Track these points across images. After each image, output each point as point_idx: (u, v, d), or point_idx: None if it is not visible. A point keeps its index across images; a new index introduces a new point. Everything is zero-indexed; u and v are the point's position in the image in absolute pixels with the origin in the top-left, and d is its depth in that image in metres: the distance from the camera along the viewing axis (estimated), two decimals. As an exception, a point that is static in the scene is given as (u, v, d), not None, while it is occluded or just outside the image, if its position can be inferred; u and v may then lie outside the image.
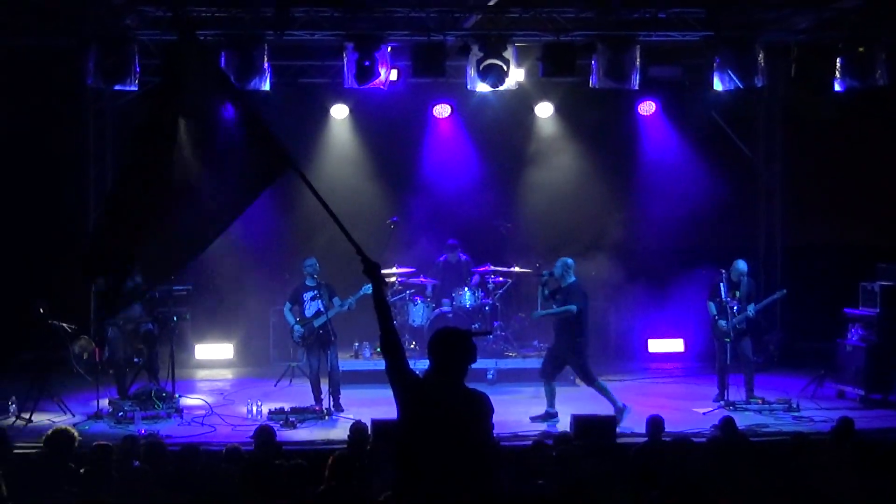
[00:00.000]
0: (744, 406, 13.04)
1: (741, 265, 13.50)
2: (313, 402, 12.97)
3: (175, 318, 13.73)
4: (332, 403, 12.92)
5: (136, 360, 13.67)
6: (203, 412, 13.01)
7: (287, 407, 12.66)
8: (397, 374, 5.89)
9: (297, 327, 13.21)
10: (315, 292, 13.24)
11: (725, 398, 13.24)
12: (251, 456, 9.13)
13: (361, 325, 14.37)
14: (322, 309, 13.11)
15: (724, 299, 13.28)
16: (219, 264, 16.44)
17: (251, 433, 9.80)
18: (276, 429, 9.97)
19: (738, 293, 13.36)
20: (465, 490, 5.59)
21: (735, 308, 13.28)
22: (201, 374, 16.23)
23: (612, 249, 16.78)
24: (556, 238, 16.41)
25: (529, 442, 9.82)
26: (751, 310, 13.30)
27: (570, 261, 12.90)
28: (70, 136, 16.02)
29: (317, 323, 13.11)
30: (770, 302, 13.76)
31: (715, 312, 13.40)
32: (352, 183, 16.66)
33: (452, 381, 5.79)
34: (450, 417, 5.67)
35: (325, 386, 13.12)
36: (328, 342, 13.13)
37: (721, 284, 13.36)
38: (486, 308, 15.68)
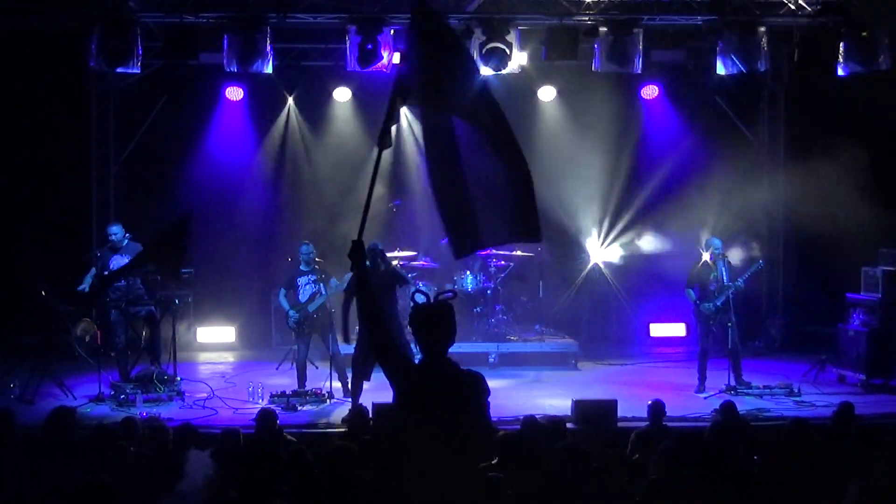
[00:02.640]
0: (745, 391, 13.00)
1: (715, 242, 13.44)
2: (318, 386, 12.91)
3: (177, 301, 13.69)
4: (343, 390, 12.79)
5: (138, 343, 13.64)
6: (205, 395, 13.02)
7: (289, 390, 12.67)
8: (389, 363, 5.79)
9: (291, 312, 13.14)
10: (311, 277, 13.21)
11: (704, 390, 13.26)
12: (250, 439, 9.11)
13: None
14: (322, 292, 13.05)
15: (717, 280, 13.27)
16: (220, 247, 16.60)
17: (252, 416, 9.78)
18: (277, 412, 9.99)
19: (714, 274, 13.31)
20: (460, 473, 5.55)
21: (712, 288, 13.26)
22: (203, 357, 16.24)
23: (614, 234, 16.81)
24: (559, 221, 16.43)
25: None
26: (734, 287, 13.23)
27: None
28: (72, 118, 15.99)
29: (311, 308, 13.07)
30: (750, 274, 13.61)
31: (695, 298, 13.34)
32: (354, 165, 16.58)
33: (439, 360, 5.67)
34: (443, 400, 5.57)
35: (331, 371, 13.04)
36: (326, 328, 13.09)
37: (707, 263, 13.31)
38: (488, 292, 15.68)
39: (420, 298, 5.66)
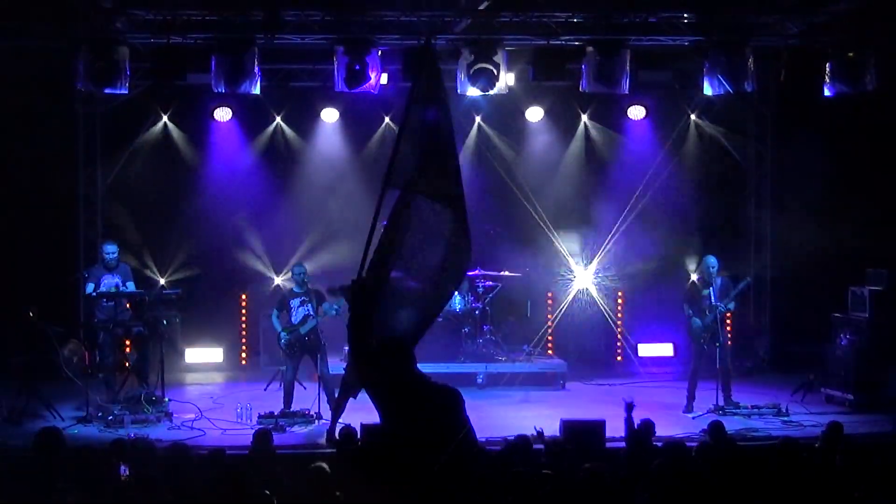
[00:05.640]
0: (733, 410, 13.03)
1: (711, 261, 13.51)
2: (305, 407, 12.89)
3: (165, 322, 13.63)
4: (331, 410, 12.67)
5: (127, 363, 13.67)
6: (193, 416, 13.00)
7: (277, 411, 12.67)
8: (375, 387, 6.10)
9: (283, 334, 13.16)
10: (303, 299, 13.22)
11: (692, 409, 13.31)
12: (242, 460, 9.11)
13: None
14: (311, 314, 13.04)
15: (708, 298, 13.35)
16: (208, 268, 16.65)
17: (241, 437, 9.80)
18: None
19: (705, 293, 13.40)
20: (445, 484, 5.74)
21: (704, 306, 13.36)
22: (191, 378, 16.19)
23: (602, 255, 16.74)
24: (546, 243, 16.53)
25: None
26: (724, 307, 13.35)
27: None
28: (59, 139, 15.92)
29: (303, 330, 13.08)
30: (738, 293, 13.71)
31: (690, 313, 13.43)
32: (342, 187, 16.68)
33: (410, 378, 5.99)
34: (422, 415, 5.83)
35: (320, 392, 13.02)
36: (317, 349, 13.09)
37: (694, 283, 13.38)
38: (476, 312, 15.70)
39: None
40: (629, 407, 10.08)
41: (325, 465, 7.60)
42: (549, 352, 16.68)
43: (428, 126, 6.99)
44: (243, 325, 17.09)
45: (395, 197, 6.98)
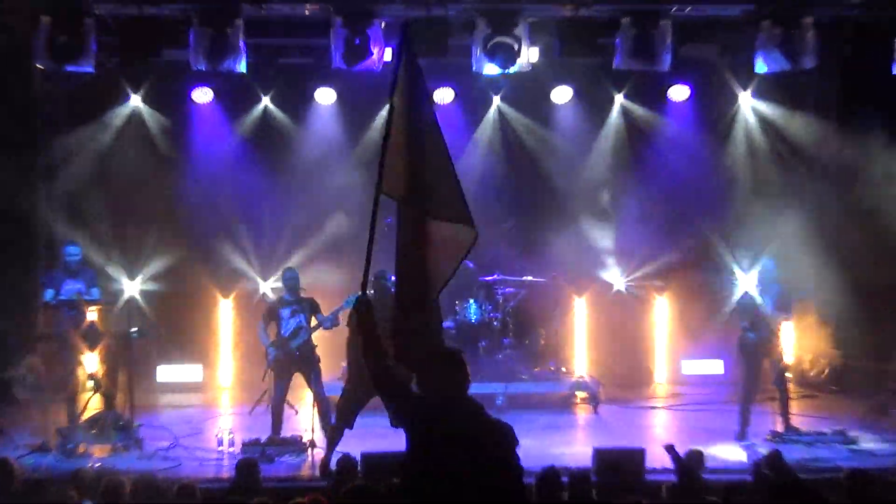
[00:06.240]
0: (792, 438, 12.91)
1: (767, 264, 13.42)
2: (297, 433, 12.87)
3: (135, 334, 13.59)
4: (325, 437, 12.50)
5: (89, 382, 13.53)
6: (167, 444, 12.93)
7: (264, 437, 12.57)
8: (403, 409, 6.14)
9: (271, 349, 13.04)
10: (294, 308, 13.11)
11: (746, 437, 13.18)
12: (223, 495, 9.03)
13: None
14: (304, 326, 12.96)
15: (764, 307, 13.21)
16: (186, 272, 16.59)
17: (221, 468, 9.73)
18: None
19: (760, 301, 13.26)
20: None
21: (758, 317, 13.20)
22: (165, 399, 16.17)
23: (639, 257, 16.86)
24: (575, 242, 16.49)
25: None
26: (782, 317, 13.28)
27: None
28: (16, 123, 15.80)
29: (294, 344, 12.96)
30: (792, 303, 13.67)
31: (745, 325, 13.30)
32: (339, 178, 16.59)
33: (463, 405, 5.99)
34: (469, 449, 5.81)
35: (313, 416, 12.89)
36: (309, 366, 12.97)
37: (748, 290, 13.31)
38: (495, 323, 15.71)
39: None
40: (671, 448, 9.88)
41: (322, 499, 7.53)
42: (580, 369, 16.62)
43: (415, 127, 7.19)
44: (226, 339, 17.07)
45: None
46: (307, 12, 14.19)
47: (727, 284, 13.85)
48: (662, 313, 17.31)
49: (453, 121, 16.96)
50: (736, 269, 13.91)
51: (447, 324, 15.45)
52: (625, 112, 17.39)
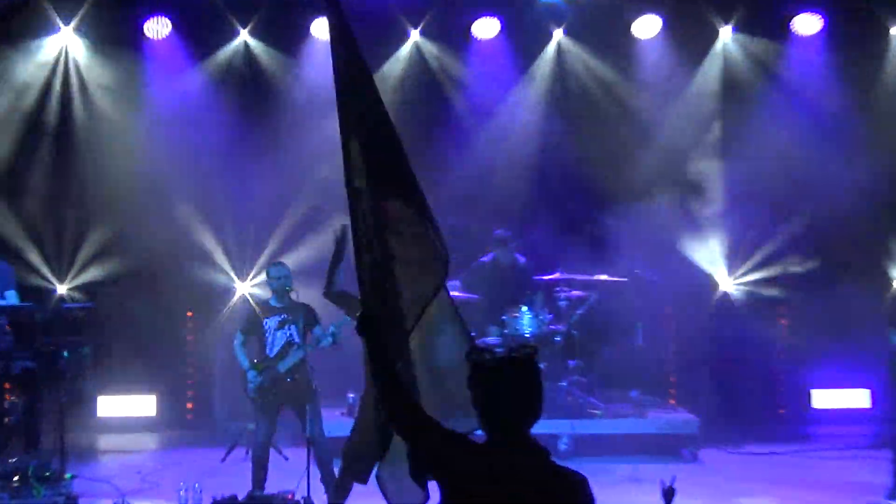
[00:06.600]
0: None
1: None
2: (287, 488, 12.44)
3: (66, 354, 13.41)
4: (327, 494, 12.37)
5: (6, 417, 13.50)
6: (110, 502, 12.73)
7: (242, 494, 12.27)
8: (432, 455, 5.92)
9: (251, 374, 12.84)
10: (283, 317, 12.89)
11: None
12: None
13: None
14: (296, 342, 12.80)
15: None
16: (136, 268, 16.57)
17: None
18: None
19: None
20: None
21: None
22: (108, 441, 16.18)
23: (752, 249, 16.82)
24: (662, 228, 16.56)
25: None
26: None
27: None
28: None
29: (283, 366, 12.75)
30: None
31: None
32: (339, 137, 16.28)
33: (518, 442, 5.77)
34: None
35: (309, 464, 12.63)
36: (304, 397, 12.74)
37: None
38: (557, 339, 15.56)
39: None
40: (668, 494, 9.59)
41: None
42: (672, 401, 16.72)
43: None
44: (189, 358, 17.08)
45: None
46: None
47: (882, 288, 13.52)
48: (786, 326, 17.19)
49: (497, 63, 17.08)
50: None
51: (491, 340, 15.38)
52: (731, 51, 17.37)
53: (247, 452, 13.91)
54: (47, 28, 16.64)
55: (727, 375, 16.89)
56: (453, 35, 17.22)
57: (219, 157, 16.77)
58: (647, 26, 17.01)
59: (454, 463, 5.78)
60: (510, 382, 5.80)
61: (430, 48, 17.22)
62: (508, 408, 5.77)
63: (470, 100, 17.42)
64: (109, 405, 16.79)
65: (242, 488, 12.49)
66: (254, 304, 13.74)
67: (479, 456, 5.77)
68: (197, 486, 12.40)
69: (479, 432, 5.94)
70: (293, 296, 13.02)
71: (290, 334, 12.85)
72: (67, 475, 12.77)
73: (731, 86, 17.37)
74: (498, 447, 5.77)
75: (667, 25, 17.02)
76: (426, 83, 17.37)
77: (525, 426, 5.78)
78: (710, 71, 17.38)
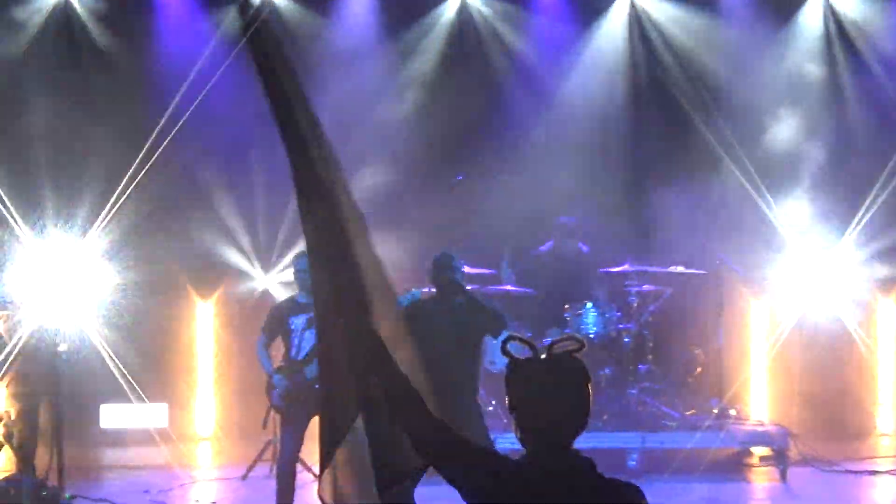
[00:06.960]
0: None
1: None
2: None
3: (64, 355, 13.27)
4: None
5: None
6: (114, 528, 13.01)
7: (266, 516, 12.49)
8: (463, 478, 5.66)
9: (277, 378, 12.60)
10: (312, 315, 12.31)
11: None
12: None
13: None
14: (325, 345, 12.28)
15: None
16: (142, 256, 16.29)
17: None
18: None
19: None
20: None
21: None
22: (112, 456, 16.02)
23: (859, 237, 16.37)
24: (753, 214, 16.34)
25: None
26: None
27: None
28: None
29: (311, 372, 12.45)
30: None
31: None
32: (381, 108, 16.71)
33: (560, 457, 5.55)
34: None
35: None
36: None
37: None
38: (626, 340, 15.42)
39: (516, 350, 5.56)
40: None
41: None
42: (759, 412, 16.44)
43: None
44: (205, 362, 17.05)
45: None
46: None
47: None
48: (891, 327, 16.97)
49: (554, 23, 17.06)
50: None
51: (545, 340, 14.78)
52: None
53: (270, 469, 13.86)
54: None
55: (822, 383, 16.67)
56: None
57: (239, 130, 16.58)
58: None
59: (484, 486, 5.54)
60: (545, 384, 5.55)
61: (478, 6, 17.08)
62: (545, 415, 5.51)
63: (522, 73, 17.33)
64: (113, 414, 16.58)
65: (267, 511, 12.61)
66: (280, 301, 13.61)
67: (511, 477, 5.51)
68: (213, 505, 12.55)
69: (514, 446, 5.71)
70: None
71: (320, 334, 12.49)
72: (66, 496, 12.70)
73: (840, 43, 17.12)
74: (533, 465, 5.52)
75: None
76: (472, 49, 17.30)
77: (565, 438, 5.54)
78: (812, 24, 17.16)
